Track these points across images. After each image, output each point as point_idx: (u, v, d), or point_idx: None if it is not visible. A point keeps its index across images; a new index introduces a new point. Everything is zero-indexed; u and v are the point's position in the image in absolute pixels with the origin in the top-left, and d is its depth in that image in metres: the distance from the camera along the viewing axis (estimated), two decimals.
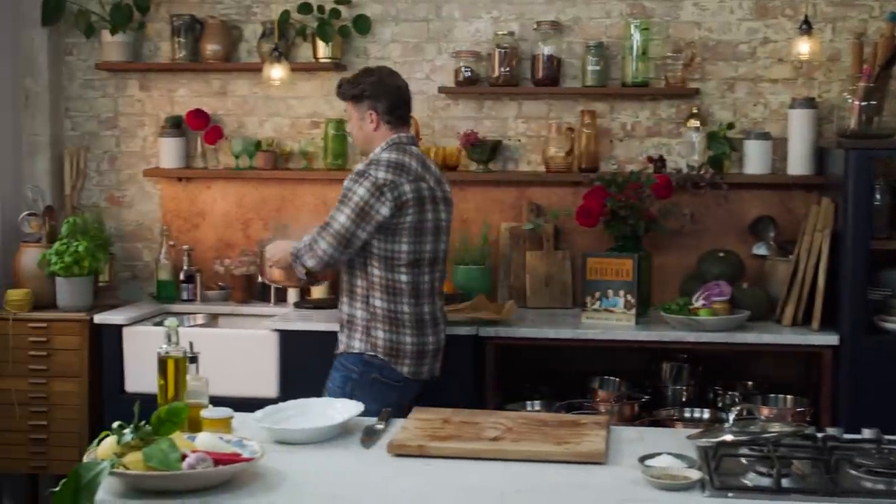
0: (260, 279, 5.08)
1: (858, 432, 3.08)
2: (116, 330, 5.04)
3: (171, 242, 5.53)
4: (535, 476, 2.83)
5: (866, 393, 4.61)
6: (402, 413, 3.59)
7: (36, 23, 5.52)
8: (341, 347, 4.18)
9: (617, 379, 5.11)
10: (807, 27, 5.05)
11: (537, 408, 4.93)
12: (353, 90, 4.22)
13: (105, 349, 5.08)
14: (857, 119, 4.79)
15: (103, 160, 5.75)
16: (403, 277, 4.10)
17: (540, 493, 2.70)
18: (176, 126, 5.59)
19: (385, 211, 4.02)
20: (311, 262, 4.10)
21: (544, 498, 2.67)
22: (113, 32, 5.50)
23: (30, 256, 5.25)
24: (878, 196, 4.84)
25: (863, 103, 4.77)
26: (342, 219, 4.03)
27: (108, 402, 5.07)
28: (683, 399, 5.06)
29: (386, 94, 4.20)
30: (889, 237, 4.84)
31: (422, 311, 4.17)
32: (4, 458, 5.17)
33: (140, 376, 4.90)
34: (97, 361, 5.11)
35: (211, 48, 5.52)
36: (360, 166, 4.12)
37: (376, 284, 4.10)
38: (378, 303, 4.10)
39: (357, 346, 4.13)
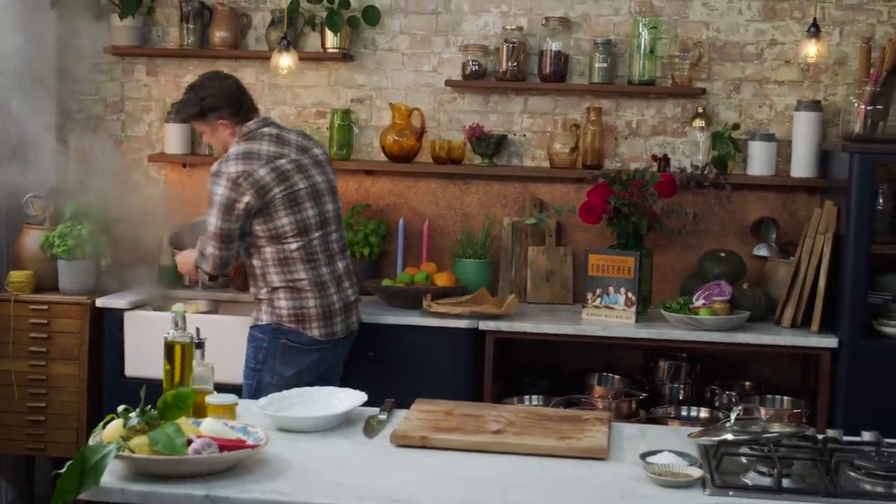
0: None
1: (854, 434, 3.10)
2: (118, 314, 5.04)
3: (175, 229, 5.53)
4: (537, 470, 2.84)
5: (863, 396, 4.63)
6: (329, 373, 4.38)
7: (45, 5, 5.52)
8: (252, 322, 4.40)
9: (615, 376, 5.14)
10: (815, 30, 5.05)
11: (535, 403, 4.96)
12: (192, 110, 4.40)
13: (106, 333, 5.08)
14: (863, 123, 4.80)
15: (108, 144, 5.75)
16: (293, 246, 4.30)
17: (543, 487, 2.72)
18: None
19: (247, 199, 4.22)
20: (208, 267, 4.37)
21: (547, 491, 2.69)
22: (122, 17, 5.51)
23: (33, 238, 5.26)
24: (880, 200, 4.86)
25: (869, 107, 4.79)
26: (213, 220, 4.27)
27: (107, 385, 5.07)
28: (680, 398, 5.09)
29: (225, 100, 4.39)
30: (891, 241, 4.85)
31: (319, 273, 4.35)
32: (2, 439, 5.17)
33: (140, 361, 4.90)
34: (98, 345, 5.11)
35: (219, 35, 5.53)
36: (214, 166, 4.30)
37: (269, 260, 4.31)
38: (274, 277, 4.32)
39: (265, 318, 4.35)
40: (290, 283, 4.30)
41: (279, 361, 4.31)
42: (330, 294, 4.36)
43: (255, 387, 4.27)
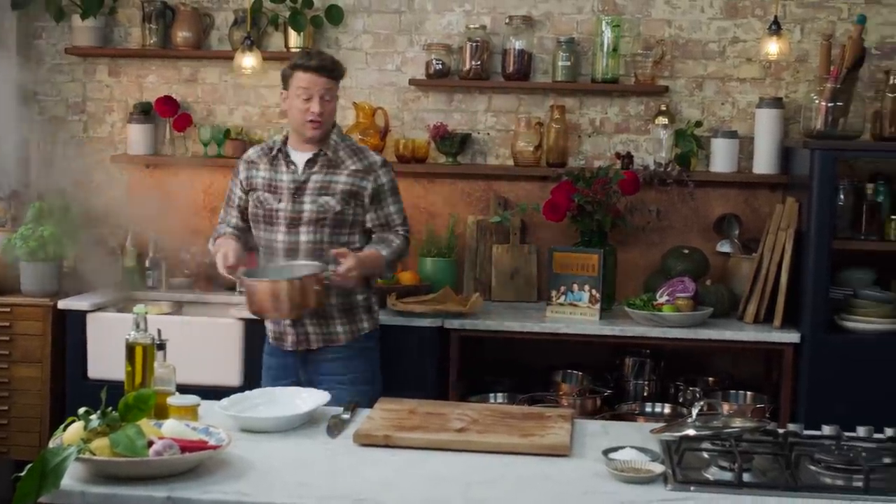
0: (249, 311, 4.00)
1: (817, 429, 3.12)
2: (80, 316, 5.01)
3: (137, 229, 5.50)
4: (500, 467, 2.85)
5: (825, 390, 4.67)
6: None
7: (5, 6, 5.48)
8: (344, 337, 4.06)
9: (580, 373, 5.15)
10: (776, 27, 5.10)
11: (500, 400, 4.96)
12: (344, 71, 4.18)
13: (69, 335, 5.05)
14: (824, 120, 4.83)
15: (70, 145, 5.72)
16: None
17: (505, 485, 2.72)
18: (145, 113, 5.57)
19: None
20: (408, 254, 4.26)
21: (509, 489, 2.69)
22: (83, 17, 5.47)
23: None
24: (841, 196, 4.90)
25: (829, 104, 4.82)
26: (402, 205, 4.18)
27: (70, 387, 5.05)
28: (645, 394, 5.11)
29: None
30: (851, 237, 4.91)
31: None
32: None
33: (103, 362, 4.87)
34: (60, 347, 5.08)
35: (182, 35, 5.51)
36: (375, 157, 4.10)
37: None
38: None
39: (366, 325, 4.12)
40: (376, 284, 4.27)
41: (380, 367, 4.20)
42: None
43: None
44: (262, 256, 4.11)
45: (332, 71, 4.04)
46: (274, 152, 4.08)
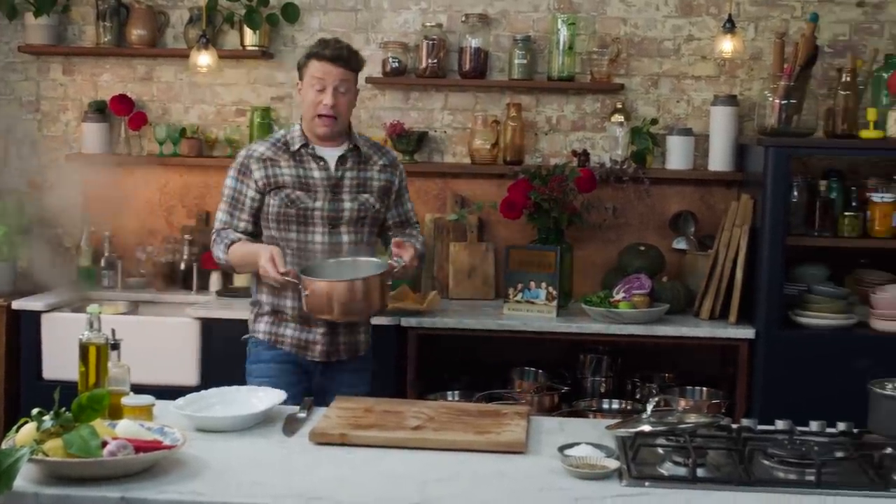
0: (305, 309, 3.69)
1: (772, 424, 3.14)
2: (35, 316, 4.98)
3: (93, 229, 5.47)
4: (456, 465, 2.85)
5: (780, 385, 4.71)
6: None
7: None
8: (363, 347, 3.99)
9: (537, 370, 5.16)
10: (730, 26, 5.14)
11: (457, 398, 4.96)
12: (364, 64, 3.96)
13: (23, 335, 5.01)
14: (777, 117, 4.87)
15: (24, 144, 5.67)
16: None
17: (461, 482, 2.72)
18: (99, 111, 5.53)
19: None
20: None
21: (465, 486, 2.69)
22: (37, 15, 5.41)
23: None
24: (795, 193, 4.95)
25: (783, 102, 4.86)
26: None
27: (25, 388, 5.01)
28: (602, 390, 5.14)
29: None
30: (805, 233, 4.95)
31: None
32: None
33: (58, 363, 4.84)
34: (15, 347, 5.04)
35: (137, 33, 5.47)
36: (392, 152, 4.04)
37: None
38: None
39: (370, 336, 4.03)
40: None
41: None
42: None
43: None
44: (292, 258, 3.80)
45: (348, 61, 3.80)
46: (296, 147, 3.83)
